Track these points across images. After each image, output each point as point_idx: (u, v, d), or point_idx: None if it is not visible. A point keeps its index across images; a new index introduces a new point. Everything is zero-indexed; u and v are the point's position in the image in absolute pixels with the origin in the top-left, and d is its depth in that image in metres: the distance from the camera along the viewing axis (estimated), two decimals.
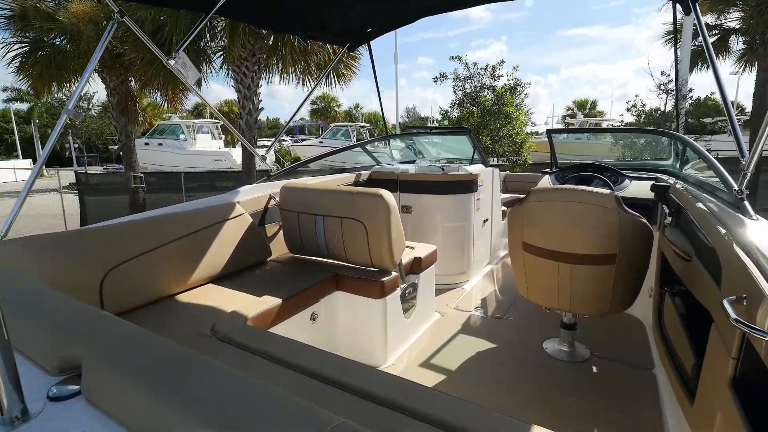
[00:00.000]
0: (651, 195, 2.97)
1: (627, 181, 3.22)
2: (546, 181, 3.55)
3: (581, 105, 40.92)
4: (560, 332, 2.48)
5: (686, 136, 3.02)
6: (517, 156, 10.37)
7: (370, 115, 36.30)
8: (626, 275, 2.04)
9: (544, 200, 2.12)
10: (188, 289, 2.10)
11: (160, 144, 19.00)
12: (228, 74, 8.50)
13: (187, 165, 17.08)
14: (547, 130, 4.22)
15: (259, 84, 8.56)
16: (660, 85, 11.02)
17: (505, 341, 2.63)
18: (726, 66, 13.36)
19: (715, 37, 12.88)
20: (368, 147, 4.80)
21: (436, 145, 5.17)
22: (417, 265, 2.67)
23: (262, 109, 8.66)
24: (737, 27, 11.79)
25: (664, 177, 3.08)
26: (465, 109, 10.63)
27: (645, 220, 1.98)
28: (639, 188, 3.12)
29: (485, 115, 10.11)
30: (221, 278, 2.25)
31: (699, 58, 12.07)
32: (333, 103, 34.09)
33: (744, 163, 1.46)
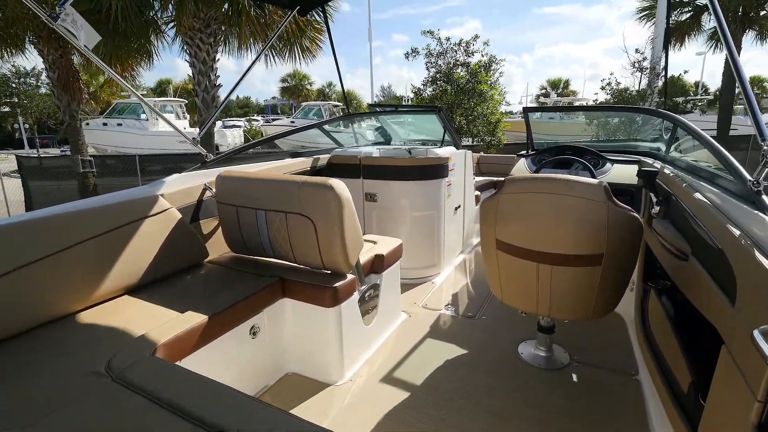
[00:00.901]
0: (634, 180, 2.74)
1: (608, 164, 2.99)
2: (522, 166, 3.28)
3: (555, 84, 41.09)
4: (537, 335, 2.25)
5: (680, 116, 2.78)
6: (491, 136, 10.11)
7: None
8: (613, 277, 1.79)
9: (522, 191, 1.82)
10: (95, 305, 1.72)
11: (120, 124, 17.79)
12: (182, 47, 7.78)
13: (149, 147, 16.10)
14: (524, 108, 3.92)
15: (216, 58, 7.86)
16: (634, 63, 10.92)
17: (477, 344, 2.38)
18: (697, 45, 13.40)
19: (688, 15, 12.86)
20: (333, 127, 4.39)
21: (405, 126, 4.80)
22: (379, 264, 2.35)
23: (220, 85, 7.99)
24: None
25: (648, 160, 2.86)
26: (438, 87, 10.22)
27: (636, 214, 1.72)
28: (621, 172, 2.90)
29: (459, 93, 9.74)
30: (140, 288, 1.87)
31: (672, 35, 12.01)
32: (305, 80, 32.92)
33: (766, 147, 1.19)
